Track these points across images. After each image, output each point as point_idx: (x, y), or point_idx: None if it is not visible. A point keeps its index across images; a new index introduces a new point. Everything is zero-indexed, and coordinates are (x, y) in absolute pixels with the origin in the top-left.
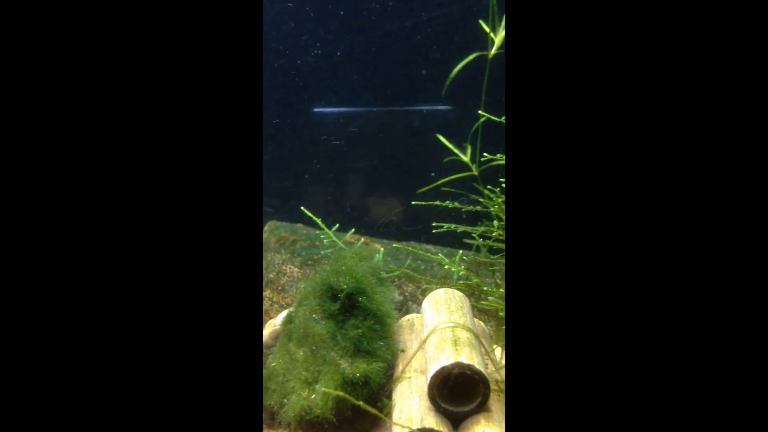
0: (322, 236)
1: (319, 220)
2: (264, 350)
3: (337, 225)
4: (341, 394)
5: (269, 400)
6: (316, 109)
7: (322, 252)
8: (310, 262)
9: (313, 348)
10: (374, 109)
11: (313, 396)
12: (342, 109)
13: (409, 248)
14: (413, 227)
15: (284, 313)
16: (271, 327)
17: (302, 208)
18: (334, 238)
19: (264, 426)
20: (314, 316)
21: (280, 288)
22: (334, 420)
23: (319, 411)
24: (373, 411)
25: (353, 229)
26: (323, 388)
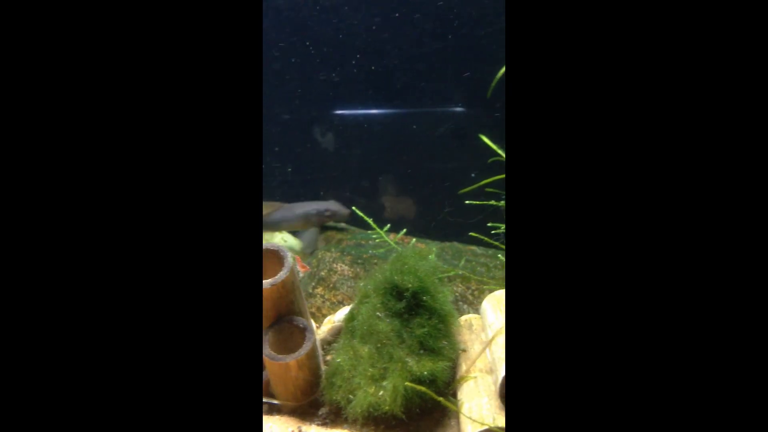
0: (373, 236)
1: (371, 220)
2: (324, 346)
3: (389, 225)
4: (421, 388)
5: (335, 396)
6: (337, 111)
7: (370, 251)
8: (359, 261)
9: (379, 345)
10: (394, 111)
11: (381, 392)
12: (360, 111)
13: (469, 247)
14: (462, 224)
15: (345, 310)
16: (330, 323)
17: (354, 208)
18: (386, 238)
19: (328, 420)
20: (378, 314)
21: (331, 286)
22: (403, 416)
23: (387, 407)
24: (453, 407)
25: (404, 230)
26: (395, 384)
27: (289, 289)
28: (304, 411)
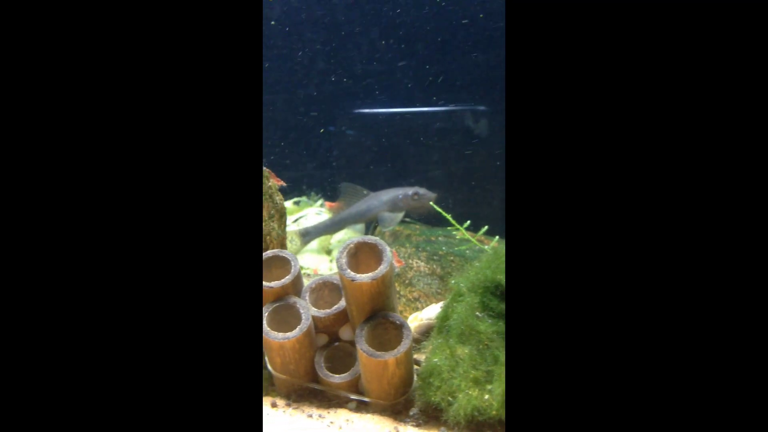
0: (439, 232)
1: (449, 216)
2: (412, 344)
3: (468, 222)
4: None
5: (432, 397)
6: (356, 111)
7: (443, 248)
8: (435, 258)
9: (480, 347)
10: (413, 109)
11: (487, 396)
12: (379, 110)
13: None
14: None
15: (433, 308)
16: (416, 321)
17: (432, 204)
18: (467, 236)
19: (422, 421)
20: (477, 314)
21: (407, 282)
22: None
23: (495, 412)
24: None
25: (486, 227)
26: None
27: (387, 284)
28: (394, 410)
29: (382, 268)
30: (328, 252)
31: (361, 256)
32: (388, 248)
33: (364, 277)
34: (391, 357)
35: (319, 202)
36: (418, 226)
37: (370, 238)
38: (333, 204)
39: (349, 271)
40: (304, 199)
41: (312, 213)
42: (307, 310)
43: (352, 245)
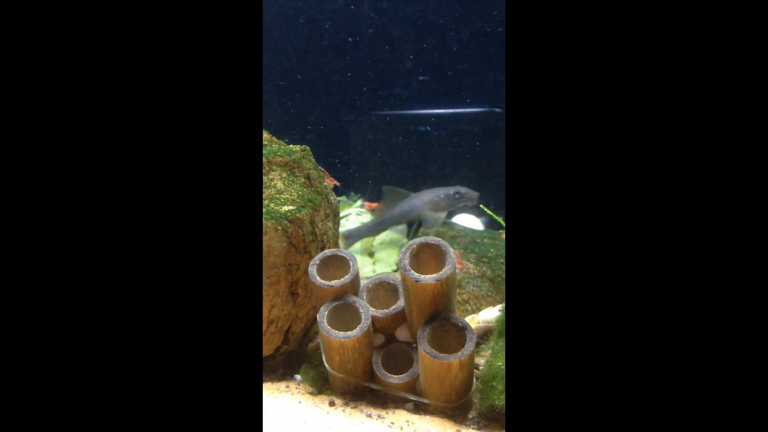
0: (485, 234)
1: (500, 219)
2: None
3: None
4: None
5: (497, 401)
6: (374, 113)
7: (492, 250)
8: (485, 260)
9: None
10: (431, 111)
11: None
12: (397, 112)
13: None
14: None
15: (491, 311)
16: (473, 323)
17: (481, 206)
18: None
19: (482, 425)
20: None
21: (456, 284)
22: None
23: None
24: None
25: None
26: None
27: (450, 285)
28: (453, 413)
29: (446, 270)
30: (371, 254)
31: (422, 256)
32: (451, 249)
33: (428, 278)
34: (455, 359)
35: (359, 202)
36: (462, 228)
37: (433, 239)
38: (373, 205)
39: (412, 271)
40: (343, 198)
41: (353, 214)
42: (367, 309)
43: (414, 246)
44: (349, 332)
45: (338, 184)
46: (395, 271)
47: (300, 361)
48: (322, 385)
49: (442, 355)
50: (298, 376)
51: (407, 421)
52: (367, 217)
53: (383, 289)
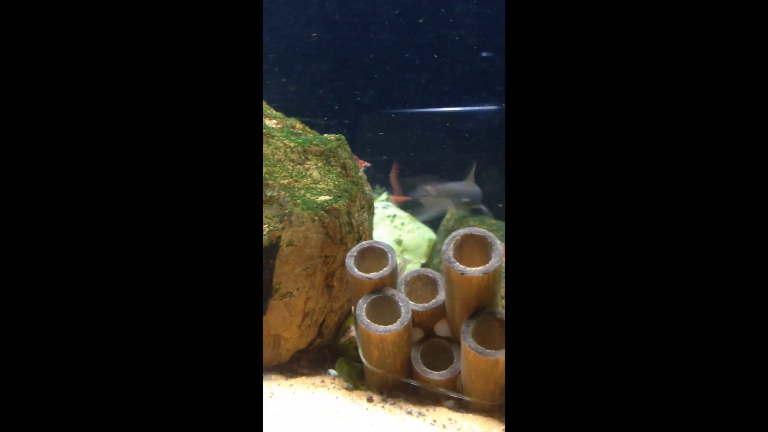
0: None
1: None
2: None
3: None
4: None
5: None
6: (392, 112)
7: None
8: None
9: None
10: (441, 110)
11: None
12: (409, 110)
13: None
14: None
15: None
16: None
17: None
18: None
19: None
20: None
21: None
22: None
23: None
24: None
25: None
26: None
27: (496, 279)
28: (493, 411)
29: (493, 262)
30: (399, 242)
31: (465, 248)
32: (497, 241)
33: (474, 271)
34: (502, 356)
35: (384, 195)
36: (493, 221)
37: (478, 230)
38: (399, 198)
39: (457, 263)
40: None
41: (379, 207)
42: (407, 303)
43: (458, 237)
44: (390, 326)
45: (368, 164)
46: (424, 264)
47: (333, 355)
48: (357, 380)
49: (489, 351)
50: (332, 371)
51: (449, 419)
52: (393, 210)
53: (421, 282)
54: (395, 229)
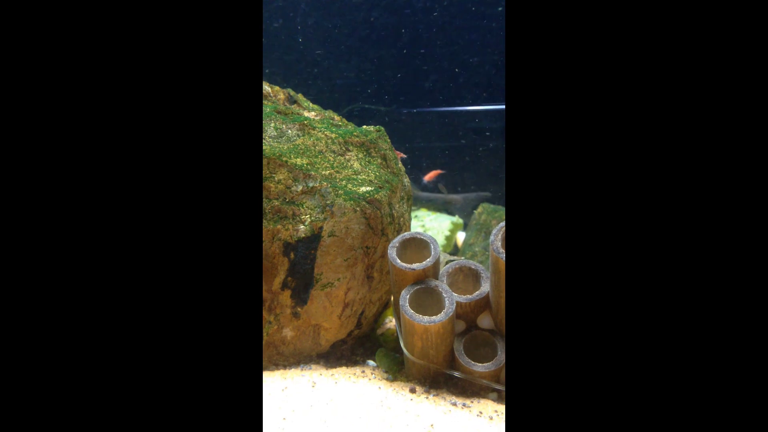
0: None
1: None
2: None
3: None
4: None
5: None
6: (411, 110)
7: None
8: None
9: None
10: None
11: None
12: (429, 109)
13: None
14: None
15: None
16: None
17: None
18: None
19: None
20: None
21: None
22: None
23: None
24: None
25: None
26: None
27: None
28: None
29: None
30: (423, 227)
31: None
32: None
33: None
34: None
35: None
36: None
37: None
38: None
39: (505, 253)
40: None
41: None
42: (451, 294)
43: (505, 227)
44: (434, 317)
45: (405, 155)
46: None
47: (371, 346)
48: (396, 371)
49: None
50: (371, 362)
51: (496, 411)
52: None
53: (462, 274)
54: (415, 219)
